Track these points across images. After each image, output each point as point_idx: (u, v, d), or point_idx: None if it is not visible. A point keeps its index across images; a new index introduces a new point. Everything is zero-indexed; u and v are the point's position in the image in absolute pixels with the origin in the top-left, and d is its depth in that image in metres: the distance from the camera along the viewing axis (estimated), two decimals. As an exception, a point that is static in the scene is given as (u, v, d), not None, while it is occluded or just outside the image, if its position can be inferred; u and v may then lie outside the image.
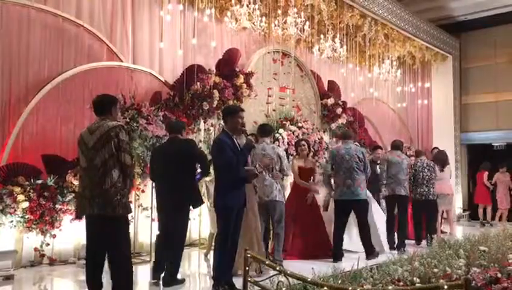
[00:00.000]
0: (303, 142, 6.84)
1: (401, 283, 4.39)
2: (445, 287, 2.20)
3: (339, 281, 3.79)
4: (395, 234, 7.37)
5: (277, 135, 8.34)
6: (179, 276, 4.90)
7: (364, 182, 6.47)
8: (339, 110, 10.18)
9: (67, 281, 5.34)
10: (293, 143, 8.16)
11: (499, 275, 4.81)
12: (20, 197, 5.53)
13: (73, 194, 5.91)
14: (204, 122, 7.68)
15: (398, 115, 12.75)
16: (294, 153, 7.56)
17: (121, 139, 3.77)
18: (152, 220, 6.25)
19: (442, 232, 8.75)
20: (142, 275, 5.44)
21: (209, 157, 5.59)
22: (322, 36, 9.13)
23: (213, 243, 5.88)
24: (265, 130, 5.91)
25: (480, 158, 12.51)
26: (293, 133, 8.81)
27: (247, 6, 7.43)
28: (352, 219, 7.11)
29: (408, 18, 11.10)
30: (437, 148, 9.77)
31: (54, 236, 5.81)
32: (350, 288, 2.75)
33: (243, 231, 5.00)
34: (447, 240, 6.34)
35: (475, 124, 13.37)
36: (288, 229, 6.13)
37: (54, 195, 5.78)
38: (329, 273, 4.38)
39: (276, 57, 9.28)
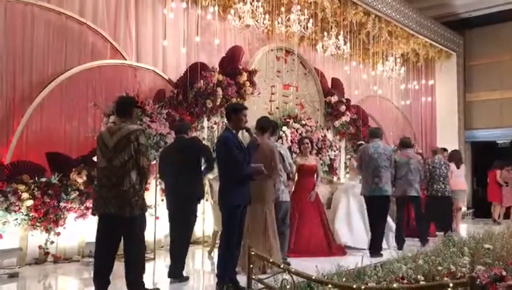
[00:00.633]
0: (306, 140, 6.83)
1: (405, 281, 4.38)
2: (450, 285, 2.18)
3: (343, 279, 3.78)
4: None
5: (280, 132, 8.33)
6: (184, 273, 4.92)
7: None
8: (343, 108, 10.16)
9: (71, 279, 5.35)
10: (296, 141, 8.14)
11: (504, 273, 4.79)
12: (25, 195, 5.55)
13: (77, 192, 5.94)
14: (208, 120, 7.68)
15: (402, 112, 12.72)
16: (298, 151, 7.55)
17: (140, 142, 3.94)
18: (156, 218, 6.25)
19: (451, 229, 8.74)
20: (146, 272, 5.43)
21: (213, 154, 5.57)
22: (325, 33, 9.10)
23: (217, 241, 5.92)
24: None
25: (484, 156, 12.46)
26: (297, 130, 8.80)
27: (251, 3, 7.41)
28: (355, 216, 7.12)
29: (412, 15, 11.06)
30: (445, 149, 9.76)
31: (58, 234, 5.83)
32: (355, 286, 2.75)
33: (258, 228, 5.11)
34: (451, 238, 6.33)
35: (479, 122, 13.32)
36: (292, 227, 6.12)
37: (58, 193, 5.79)
38: (333, 271, 4.38)
39: (280, 54, 9.27)
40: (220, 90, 7.50)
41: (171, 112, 6.75)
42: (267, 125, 5.49)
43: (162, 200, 6.23)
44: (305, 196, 6.53)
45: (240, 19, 7.52)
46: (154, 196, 6.26)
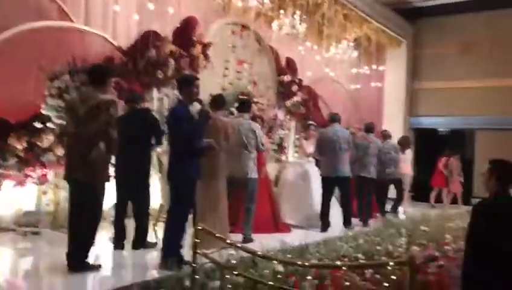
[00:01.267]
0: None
1: (346, 259, 4.53)
2: (391, 263, 2.26)
3: (288, 256, 3.85)
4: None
5: (232, 109, 8.27)
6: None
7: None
8: (295, 88, 10.20)
9: (6, 249, 5.12)
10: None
11: (437, 253, 5.08)
12: (-43, 159, 5.22)
13: (16, 159, 5.64)
14: (158, 91, 7.47)
15: (351, 96, 12.96)
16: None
17: (111, 114, 3.96)
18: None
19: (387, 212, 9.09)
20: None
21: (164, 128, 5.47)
22: (282, 11, 9.04)
23: (162, 215, 5.86)
24: (243, 106, 6.09)
25: (427, 142, 12.99)
26: (248, 107, 8.75)
27: (208, -26, 7.23)
28: (301, 194, 7.25)
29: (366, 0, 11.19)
30: (386, 130, 10.06)
31: (-6, 202, 5.55)
32: (299, 262, 2.79)
33: (208, 203, 5.16)
34: (390, 220, 6.59)
35: (423, 109, 13.83)
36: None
37: (-6, 158, 5.50)
38: (277, 248, 4.44)
39: (235, 29, 9.13)
40: (172, 61, 7.29)
41: (119, 80, 6.52)
42: (221, 102, 5.53)
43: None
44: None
45: (197, -11, 7.32)
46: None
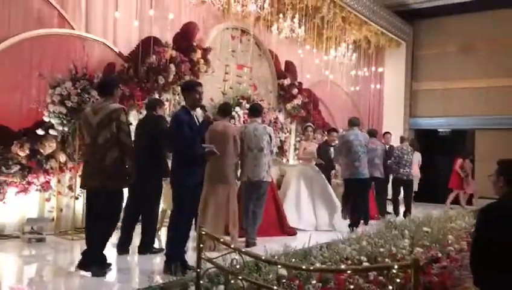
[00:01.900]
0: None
1: (349, 262, 4.54)
2: (395, 267, 2.27)
3: (293, 260, 3.86)
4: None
5: (233, 113, 8.30)
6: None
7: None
8: (295, 91, 10.25)
9: (10, 256, 5.14)
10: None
11: (440, 255, 5.09)
12: (-39, 167, 5.25)
13: (18, 166, 5.67)
14: (159, 97, 7.49)
15: (351, 98, 13.00)
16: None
17: (121, 121, 4.21)
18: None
19: (388, 213, 9.13)
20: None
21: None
22: (281, 15, 9.08)
23: (165, 220, 5.88)
24: (256, 110, 6.14)
25: (427, 143, 13.00)
26: (249, 111, 8.79)
27: (207, -20, 7.27)
28: (304, 199, 7.27)
29: (365, 2, 11.24)
30: (389, 132, 10.12)
31: (-3, 209, 5.57)
32: (303, 267, 2.81)
33: (218, 208, 5.32)
34: (394, 221, 6.60)
35: (423, 110, 13.85)
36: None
37: (-2, 166, 5.52)
38: (281, 252, 4.46)
39: (235, 34, 9.17)
40: (172, 67, 7.33)
41: (121, 87, 6.54)
42: (228, 110, 5.84)
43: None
44: None
45: (196, -6, 7.36)
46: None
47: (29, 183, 5.83)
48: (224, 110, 5.86)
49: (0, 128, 5.75)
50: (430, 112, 13.66)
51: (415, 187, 10.37)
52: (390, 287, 3.07)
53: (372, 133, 8.80)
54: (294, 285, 3.52)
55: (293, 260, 4.11)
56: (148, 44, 7.16)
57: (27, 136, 5.84)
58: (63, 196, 6.24)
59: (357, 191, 7.29)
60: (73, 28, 6.69)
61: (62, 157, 6.12)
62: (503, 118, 12.38)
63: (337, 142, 8.31)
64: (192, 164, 4.39)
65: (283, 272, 3.58)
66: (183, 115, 4.39)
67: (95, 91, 5.85)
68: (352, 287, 3.50)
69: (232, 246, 3.06)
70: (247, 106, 8.76)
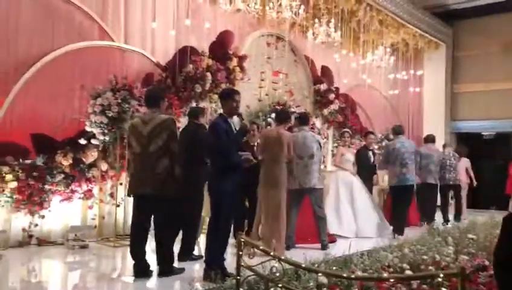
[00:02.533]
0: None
1: (391, 269, 4.42)
2: (441, 275, 2.19)
3: (334, 268, 3.80)
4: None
5: (269, 119, 8.29)
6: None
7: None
8: (332, 96, 10.15)
9: (55, 262, 5.29)
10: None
11: (487, 263, 4.88)
12: (9, 176, 5.46)
13: (63, 175, 5.85)
14: (197, 105, 7.58)
15: (390, 102, 12.76)
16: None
17: (172, 130, 4.39)
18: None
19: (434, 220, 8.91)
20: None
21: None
22: (316, 20, 9.04)
23: (204, 227, 5.91)
24: (304, 119, 6.33)
25: (469, 147, 12.58)
26: (286, 118, 8.76)
27: (242, -12, 7.32)
28: (343, 205, 7.17)
29: (403, 5, 11.05)
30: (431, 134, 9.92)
31: (43, 217, 5.76)
32: (345, 275, 2.75)
33: (270, 213, 5.49)
34: (436, 228, 6.40)
35: (465, 113, 13.44)
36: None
37: (43, 175, 5.71)
38: (321, 259, 4.39)
39: (270, 40, 9.19)
40: (209, 75, 7.41)
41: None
42: (283, 117, 5.92)
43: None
44: None
45: (231, 3, 7.43)
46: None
47: (72, 191, 6.01)
48: (280, 117, 5.95)
49: (45, 138, 5.96)
50: (472, 114, 13.23)
51: (463, 193, 10.18)
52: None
53: (430, 139, 8.92)
54: (335, 293, 3.45)
55: (334, 267, 4.03)
56: (185, 53, 7.28)
57: (70, 146, 6.02)
58: (104, 203, 6.40)
59: (404, 197, 7.36)
60: (113, 40, 6.87)
61: (103, 166, 6.27)
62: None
63: (374, 145, 8.28)
64: (229, 171, 4.39)
65: (323, 280, 3.51)
66: (221, 122, 4.41)
67: (134, 101, 5.99)
68: (395, 295, 3.39)
69: (272, 253, 3.03)
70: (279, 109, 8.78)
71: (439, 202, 9.27)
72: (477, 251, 5.32)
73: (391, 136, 10.18)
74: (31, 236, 5.72)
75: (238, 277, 3.19)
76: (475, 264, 4.77)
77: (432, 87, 13.55)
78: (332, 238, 6.56)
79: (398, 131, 7.69)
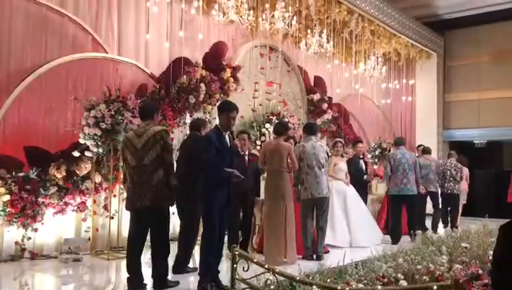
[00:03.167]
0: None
1: (386, 279, 4.42)
2: (435, 287, 2.20)
3: (328, 280, 3.80)
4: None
5: (263, 129, 8.32)
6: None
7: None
8: (325, 106, 10.21)
9: (48, 276, 5.25)
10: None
11: (480, 271, 4.89)
12: (1, 189, 5.43)
13: (56, 188, 5.82)
14: (191, 116, 7.59)
15: (382, 111, 12.84)
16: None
17: (166, 141, 4.36)
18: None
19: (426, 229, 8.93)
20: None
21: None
22: (309, 31, 9.11)
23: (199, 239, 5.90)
24: (311, 129, 6.40)
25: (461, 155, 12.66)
26: (279, 128, 8.78)
27: (235, -1, 7.37)
28: (337, 214, 7.17)
29: (394, 15, 11.15)
30: (422, 145, 9.98)
31: (36, 230, 5.71)
32: (339, 287, 2.75)
33: (276, 223, 5.53)
34: (430, 237, 6.42)
35: (457, 122, 13.54)
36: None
37: (36, 188, 5.67)
38: (315, 270, 4.39)
39: (263, 51, 9.25)
40: (203, 86, 7.44)
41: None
42: (281, 129, 5.98)
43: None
44: None
45: (224, 14, 7.47)
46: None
47: (66, 204, 5.97)
48: (278, 128, 6.03)
49: (39, 151, 5.93)
50: (464, 123, 13.34)
51: (463, 200, 10.45)
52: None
53: (426, 151, 9.28)
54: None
55: (328, 279, 4.03)
56: (179, 64, 7.30)
57: (64, 158, 5.99)
58: (98, 215, 6.36)
59: (403, 206, 7.65)
60: (106, 52, 6.88)
61: (97, 178, 6.25)
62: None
63: (367, 154, 8.32)
64: (217, 185, 4.40)
65: (318, 291, 3.52)
66: (214, 136, 4.42)
67: (128, 112, 5.98)
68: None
69: (266, 266, 3.04)
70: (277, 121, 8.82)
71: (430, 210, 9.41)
72: (471, 260, 5.33)
73: (384, 145, 10.35)
74: (23, 250, 5.66)
75: (233, 290, 3.20)
76: (469, 273, 4.78)
77: (424, 96, 13.65)
78: (325, 249, 6.55)
79: (399, 142, 8.04)
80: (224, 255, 4.74)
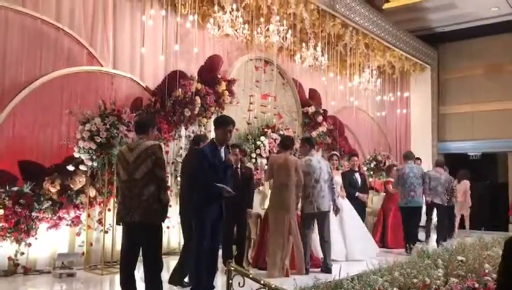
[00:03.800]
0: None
1: (382, 294, 4.40)
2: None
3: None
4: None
5: (258, 142, 8.32)
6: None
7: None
8: (320, 119, 10.24)
9: (42, 292, 5.20)
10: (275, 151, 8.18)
11: (477, 285, 4.89)
12: (-5, 204, 5.38)
13: (50, 202, 5.77)
14: (186, 129, 7.60)
15: (377, 123, 12.89)
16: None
17: (158, 156, 4.28)
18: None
19: (419, 240, 8.90)
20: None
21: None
22: (303, 44, 9.17)
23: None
24: (312, 142, 6.66)
25: (456, 168, 12.71)
26: (275, 141, 8.79)
27: (230, 13, 7.41)
28: (332, 228, 7.14)
29: (388, 28, 11.25)
30: (419, 158, 10.11)
31: (29, 245, 5.65)
32: (335, 303, 2.73)
33: (280, 236, 5.62)
34: (426, 250, 6.40)
35: (452, 134, 13.61)
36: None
37: (30, 202, 5.62)
38: (310, 284, 4.36)
39: (258, 64, 9.29)
40: (198, 99, 7.45)
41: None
42: (287, 143, 6.10)
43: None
44: None
45: (219, 28, 7.51)
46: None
47: (60, 218, 5.92)
48: (285, 143, 6.13)
49: (33, 165, 5.90)
50: (458, 135, 13.41)
51: (466, 213, 10.77)
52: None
53: (438, 163, 9.62)
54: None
55: (324, 294, 4.00)
56: (174, 78, 7.32)
57: (58, 172, 5.96)
58: (92, 230, 6.31)
59: (413, 217, 8.08)
60: (101, 65, 6.88)
61: (92, 192, 6.21)
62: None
63: (363, 167, 8.38)
64: (209, 199, 4.42)
65: (314, 307, 3.50)
66: (207, 150, 4.41)
67: (123, 126, 5.97)
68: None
69: (262, 282, 3.02)
70: (273, 135, 8.83)
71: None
72: (467, 273, 5.32)
73: (379, 157, 10.41)
74: (17, 265, 5.60)
75: (228, 306, 3.17)
76: (465, 287, 4.77)
77: (418, 108, 13.74)
78: (319, 263, 6.51)
79: (408, 156, 8.43)
80: (220, 269, 4.71)
